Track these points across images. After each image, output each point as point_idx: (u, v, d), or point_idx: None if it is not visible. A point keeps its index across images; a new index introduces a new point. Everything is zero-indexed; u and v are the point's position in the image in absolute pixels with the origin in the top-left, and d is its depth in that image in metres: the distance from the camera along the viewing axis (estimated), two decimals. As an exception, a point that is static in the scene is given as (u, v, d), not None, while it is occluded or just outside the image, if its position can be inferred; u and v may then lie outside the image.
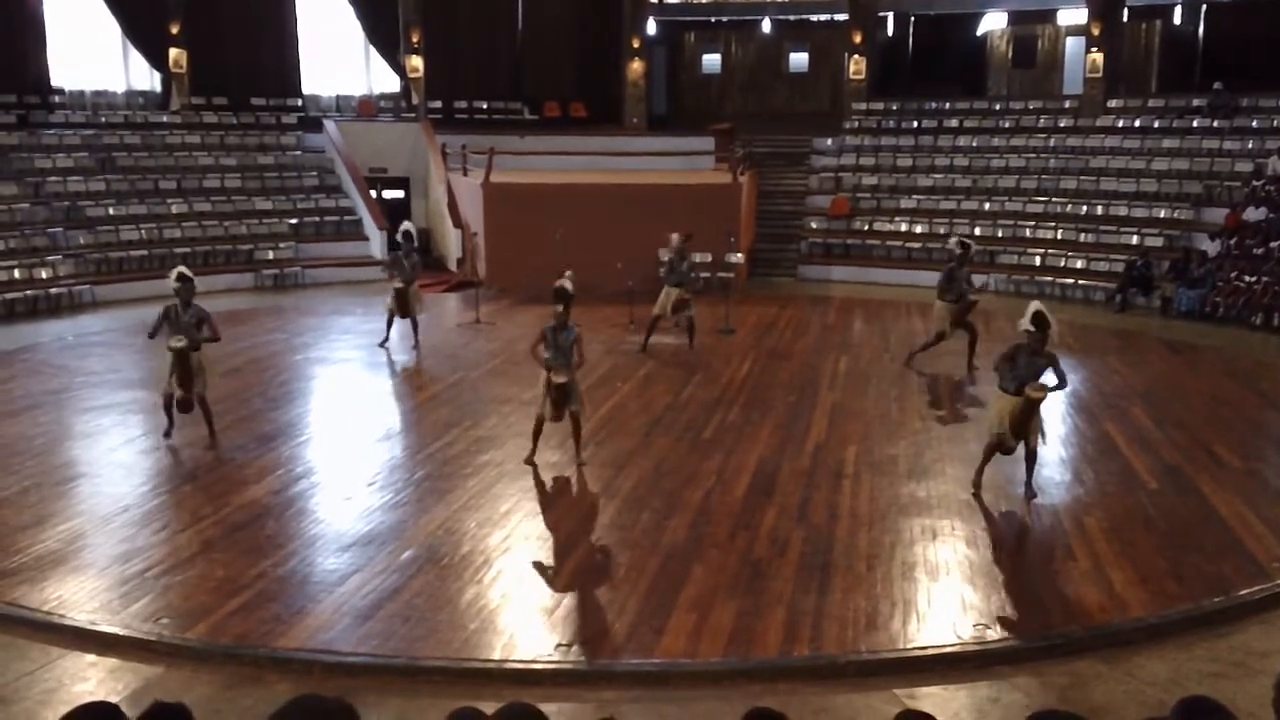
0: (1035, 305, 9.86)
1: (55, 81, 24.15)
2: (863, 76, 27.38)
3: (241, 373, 14.69)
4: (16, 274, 19.60)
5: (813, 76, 29.93)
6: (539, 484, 10.35)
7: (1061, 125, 25.18)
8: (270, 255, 22.71)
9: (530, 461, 10.73)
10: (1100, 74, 25.08)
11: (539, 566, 8.46)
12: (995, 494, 9.97)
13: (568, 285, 10.79)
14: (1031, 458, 9.93)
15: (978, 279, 15.29)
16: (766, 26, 29.70)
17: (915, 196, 24.58)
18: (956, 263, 15.10)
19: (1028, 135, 25.19)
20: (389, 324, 16.22)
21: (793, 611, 7.54)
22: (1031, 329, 9.66)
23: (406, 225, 16.96)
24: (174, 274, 11.47)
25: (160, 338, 11.23)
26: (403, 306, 15.85)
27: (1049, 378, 9.67)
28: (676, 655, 7.00)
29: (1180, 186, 22.22)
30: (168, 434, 11.39)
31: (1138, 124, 24.31)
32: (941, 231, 22.95)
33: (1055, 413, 12.94)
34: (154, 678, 6.75)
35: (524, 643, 7.19)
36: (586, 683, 6.78)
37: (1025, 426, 9.71)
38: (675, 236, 16.17)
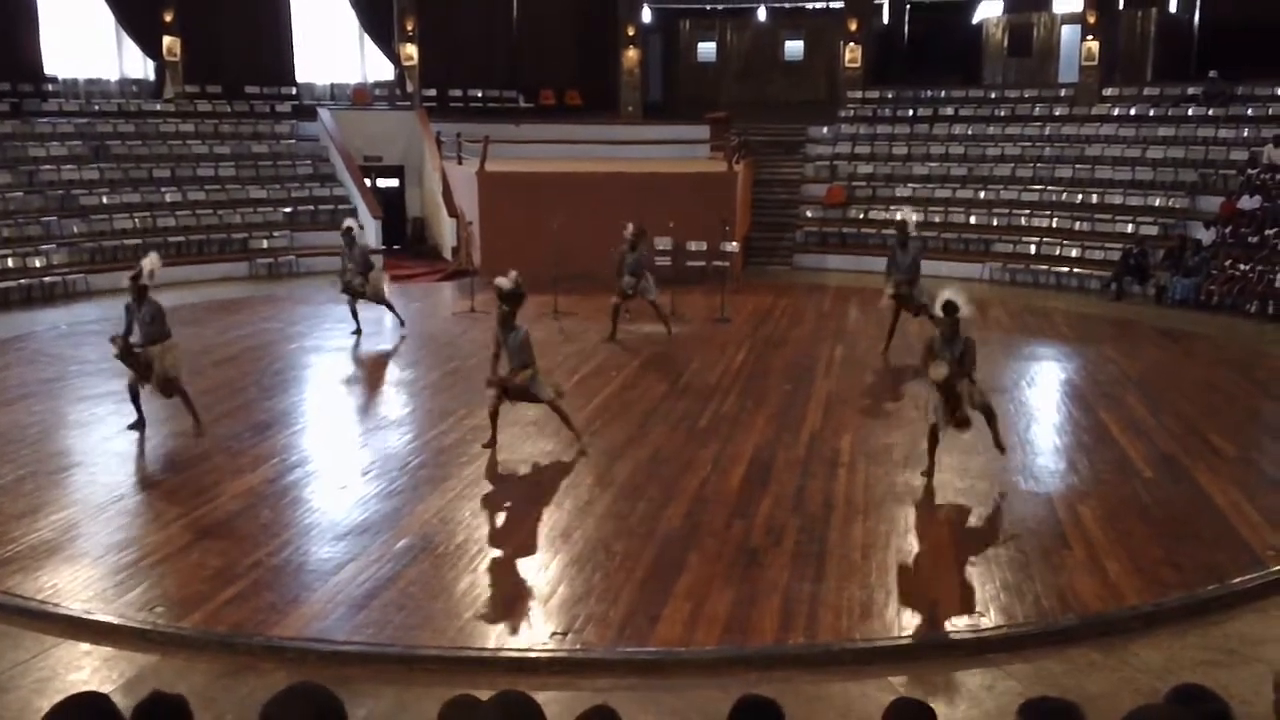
0: (945, 293, 9.94)
1: (49, 69, 24.02)
2: (858, 65, 27.33)
3: (236, 361, 14.67)
4: (10, 263, 19.54)
5: (808, 65, 29.82)
6: (534, 472, 10.35)
7: (1057, 113, 25.14)
8: (264, 244, 22.66)
9: (488, 445, 10.79)
10: (1096, 62, 25.04)
11: (534, 555, 8.45)
12: (990, 482, 9.98)
13: (506, 284, 10.71)
14: (990, 418, 10.07)
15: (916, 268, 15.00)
16: (762, 14, 29.63)
17: (911, 185, 24.55)
18: (897, 241, 15.02)
19: (1023, 123, 25.17)
20: (354, 314, 16.14)
21: (788, 600, 7.55)
22: (940, 315, 9.77)
23: (347, 222, 16.65)
24: (144, 266, 11.17)
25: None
26: (356, 294, 15.86)
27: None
28: (672, 643, 7.00)
29: (1175, 175, 22.21)
30: (133, 426, 11.28)
31: (1133, 112, 24.27)
32: (936, 220, 22.99)
33: (1050, 401, 12.98)
34: (148, 667, 6.74)
35: (519, 631, 7.19)
36: (581, 671, 6.77)
37: (956, 406, 9.79)
38: (630, 227, 16.06)
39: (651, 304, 16.07)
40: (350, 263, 15.87)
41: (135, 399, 11.29)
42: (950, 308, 9.70)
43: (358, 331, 16.20)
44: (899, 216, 15.76)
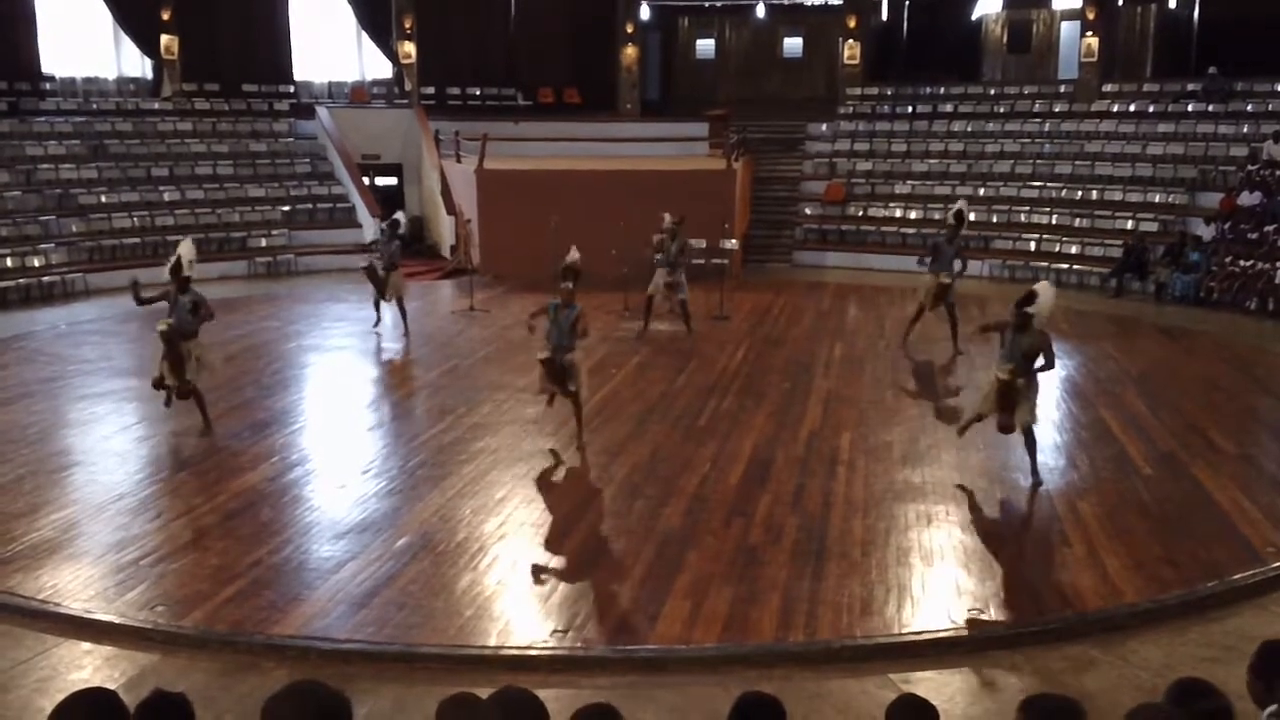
0: (1040, 285, 9.86)
1: (47, 68, 24.02)
2: (857, 61, 27.33)
3: (235, 360, 14.65)
4: (9, 262, 19.51)
5: (807, 62, 29.80)
6: (534, 471, 10.34)
7: (1056, 110, 25.15)
8: (263, 242, 22.64)
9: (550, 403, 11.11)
10: (1095, 58, 25.04)
11: (534, 553, 8.45)
12: (990, 480, 9.98)
13: (578, 261, 10.90)
14: (1030, 443, 9.85)
15: (963, 264, 15.02)
16: (761, 12, 29.58)
17: (910, 182, 24.55)
18: (945, 236, 15.03)
19: (1023, 120, 25.17)
20: (376, 306, 16.34)
21: (788, 597, 7.56)
22: (1015, 307, 9.62)
23: (397, 215, 17.12)
24: (172, 261, 11.26)
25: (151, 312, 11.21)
26: (378, 286, 15.95)
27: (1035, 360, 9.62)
28: (671, 641, 7.01)
29: (1175, 171, 22.21)
30: (168, 403, 11.38)
31: (1133, 108, 24.27)
32: (936, 217, 22.95)
33: (1050, 398, 12.95)
34: (149, 666, 6.74)
35: (519, 629, 7.20)
36: (582, 669, 6.78)
37: (1009, 407, 9.59)
38: (667, 217, 16.18)
39: (681, 303, 16.03)
40: (379, 251, 16.03)
41: (160, 386, 11.26)
42: (1029, 299, 9.55)
43: (378, 322, 16.38)
44: (957, 207, 15.52)
